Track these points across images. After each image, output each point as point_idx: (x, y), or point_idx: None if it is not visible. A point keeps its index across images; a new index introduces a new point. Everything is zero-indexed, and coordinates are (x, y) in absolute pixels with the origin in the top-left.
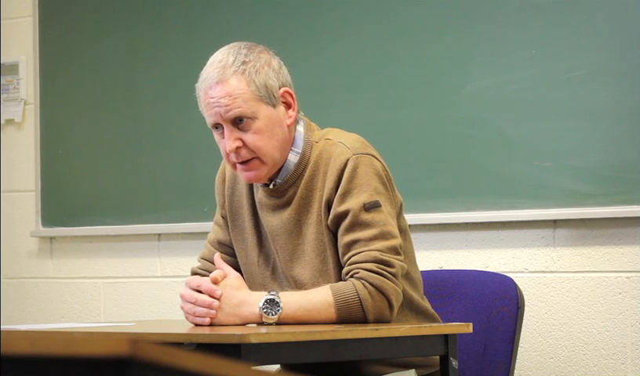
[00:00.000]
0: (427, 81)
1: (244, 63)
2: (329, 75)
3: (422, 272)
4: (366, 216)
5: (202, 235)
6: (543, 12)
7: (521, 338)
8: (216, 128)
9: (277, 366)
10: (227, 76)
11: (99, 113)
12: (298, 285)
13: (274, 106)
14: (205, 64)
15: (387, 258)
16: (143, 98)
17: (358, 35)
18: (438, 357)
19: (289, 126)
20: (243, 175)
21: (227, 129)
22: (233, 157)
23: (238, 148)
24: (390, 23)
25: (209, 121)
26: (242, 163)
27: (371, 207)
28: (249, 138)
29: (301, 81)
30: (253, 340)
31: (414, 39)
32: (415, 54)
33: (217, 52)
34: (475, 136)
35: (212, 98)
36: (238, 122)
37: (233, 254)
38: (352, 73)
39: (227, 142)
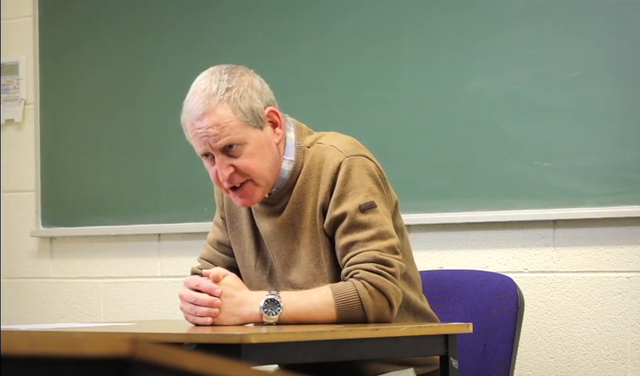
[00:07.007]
0: (427, 81)
1: (227, 89)
2: (329, 75)
3: (422, 272)
4: (363, 217)
5: (202, 235)
6: (543, 12)
7: (521, 338)
8: (206, 156)
9: (276, 366)
10: (213, 106)
11: (99, 113)
12: (294, 290)
13: (261, 128)
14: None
15: (385, 258)
16: (143, 98)
17: (358, 35)
18: (437, 356)
19: (277, 144)
20: (237, 201)
21: (217, 158)
22: (226, 184)
23: (230, 174)
24: (390, 23)
25: (198, 150)
26: (235, 188)
27: (367, 208)
28: (240, 163)
29: (301, 81)
30: (253, 340)
31: (414, 39)
32: (415, 54)
33: (198, 78)
34: (475, 136)
35: (200, 129)
36: (227, 149)
37: (232, 255)
38: (352, 73)
39: (220, 170)
